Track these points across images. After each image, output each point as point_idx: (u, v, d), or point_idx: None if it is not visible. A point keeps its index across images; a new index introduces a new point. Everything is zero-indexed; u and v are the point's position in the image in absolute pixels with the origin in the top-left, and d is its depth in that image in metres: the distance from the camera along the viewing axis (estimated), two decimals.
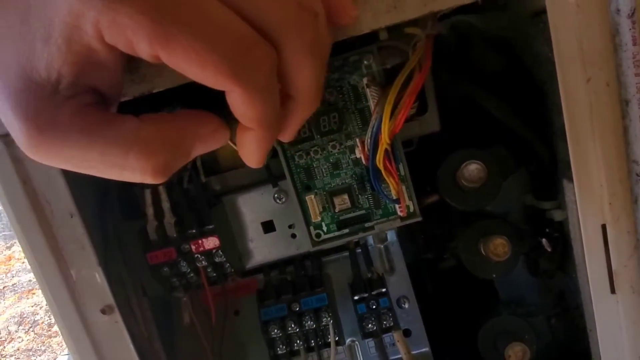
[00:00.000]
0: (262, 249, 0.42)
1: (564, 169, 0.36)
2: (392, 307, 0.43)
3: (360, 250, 0.46)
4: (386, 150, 0.33)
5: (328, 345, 0.43)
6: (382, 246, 0.46)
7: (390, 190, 0.35)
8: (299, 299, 0.43)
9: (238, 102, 0.22)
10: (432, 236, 0.45)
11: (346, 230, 0.37)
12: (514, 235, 0.40)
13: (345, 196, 0.37)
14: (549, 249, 0.40)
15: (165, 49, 0.19)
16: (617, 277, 0.34)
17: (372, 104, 0.34)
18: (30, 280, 3.92)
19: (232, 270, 0.41)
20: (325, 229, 0.37)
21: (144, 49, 0.20)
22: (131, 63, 0.28)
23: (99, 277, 0.34)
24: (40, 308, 3.64)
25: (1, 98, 0.21)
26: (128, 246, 0.39)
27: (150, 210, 0.39)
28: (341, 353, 0.46)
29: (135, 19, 0.19)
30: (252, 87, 0.21)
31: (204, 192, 0.40)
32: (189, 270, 0.40)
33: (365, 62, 0.34)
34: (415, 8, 0.29)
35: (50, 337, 3.38)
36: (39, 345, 3.33)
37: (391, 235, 0.46)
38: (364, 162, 0.35)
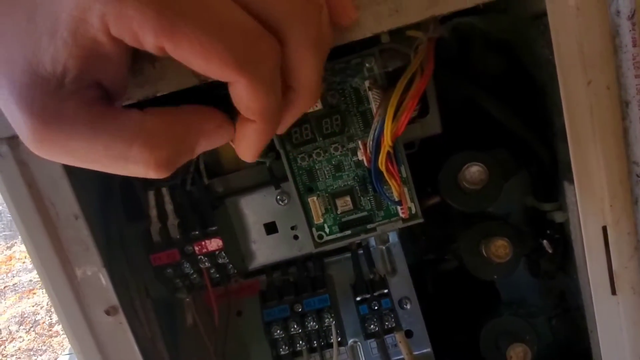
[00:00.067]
0: (264, 250, 0.42)
1: (565, 171, 0.36)
2: (394, 308, 0.44)
3: (362, 251, 0.46)
4: (388, 152, 0.34)
5: (330, 345, 0.43)
6: (384, 247, 0.46)
7: (392, 192, 0.36)
8: (302, 299, 0.44)
9: (242, 93, 0.22)
10: (434, 238, 0.46)
11: (348, 232, 0.38)
12: (515, 236, 0.40)
13: (348, 198, 0.37)
14: (550, 251, 0.40)
15: (171, 41, 0.20)
16: (617, 278, 0.34)
17: (374, 106, 0.35)
18: (30, 280, 3.92)
19: (235, 271, 0.41)
20: (327, 230, 0.38)
21: (149, 41, 0.20)
22: (135, 66, 0.28)
23: (103, 279, 0.34)
24: (41, 308, 3.64)
25: (7, 93, 0.21)
26: (131, 247, 0.39)
27: (153, 212, 0.39)
28: (343, 354, 0.46)
29: (141, 11, 0.19)
30: (257, 79, 0.21)
31: (207, 194, 0.40)
32: (192, 271, 0.40)
33: (367, 65, 0.34)
34: (417, 12, 0.29)
35: (51, 336, 3.38)
36: (40, 345, 3.33)
37: (393, 237, 0.46)
38: (366, 164, 0.36)
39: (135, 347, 0.36)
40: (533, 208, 0.42)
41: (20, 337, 3.46)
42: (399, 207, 0.37)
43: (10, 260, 4.20)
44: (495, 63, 0.43)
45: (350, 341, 0.47)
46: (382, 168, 0.34)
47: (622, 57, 0.31)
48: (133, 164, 0.22)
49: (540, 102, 0.38)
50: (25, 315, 3.63)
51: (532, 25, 0.35)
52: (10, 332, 3.52)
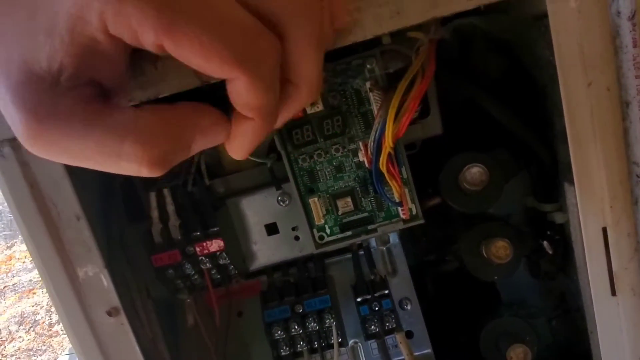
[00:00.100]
0: (265, 251, 0.43)
1: (565, 172, 0.37)
2: (394, 309, 0.44)
3: (362, 252, 0.46)
4: (389, 153, 0.34)
5: (331, 346, 0.43)
6: (384, 248, 0.47)
7: (393, 193, 0.36)
8: (302, 300, 0.44)
9: (242, 90, 0.22)
10: (434, 238, 0.46)
11: (349, 233, 0.38)
12: (516, 237, 0.40)
13: (349, 199, 0.37)
14: (550, 252, 0.40)
15: (170, 38, 0.19)
16: (617, 280, 0.34)
17: (375, 107, 0.35)
18: (30, 280, 3.92)
19: (236, 272, 0.41)
20: (328, 231, 0.38)
21: (148, 39, 0.20)
22: (137, 68, 0.28)
23: (105, 280, 0.34)
24: (41, 308, 3.64)
25: (3, 92, 0.21)
26: (133, 248, 0.40)
27: (155, 213, 0.39)
28: (344, 354, 0.46)
29: (140, 9, 0.19)
30: (258, 76, 0.21)
31: (208, 195, 0.40)
32: (193, 272, 0.40)
33: (368, 66, 0.35)
34: (419, 14, 0.29)
35: (50, 336, 3.38)
36: (40, 345, 3.33)
37: (393, 238, 0.46)
38: (367, 165, 0.36)
39: (137, 348, 0.36)
40: (533, 209, 0.42)
41: (20, 337, 3.46)
42: (399, 208, 0.37)
43: (10, 260, 4.20)
44: (495, 64, 0.43)
45: (350, 342, 0.47)
46: (383, 169, 0.34)
47: (622, 58, 0.31)
48: (126, 161, 0.22)
49: (540, 103, 0.38)
50: (25, 315, 3.63)
51: (533, 26, 0.35)
52: (10, 332, 3.52)
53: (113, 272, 0.35)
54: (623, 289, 0.34)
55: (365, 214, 0.38)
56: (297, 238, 0.42)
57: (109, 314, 0.35)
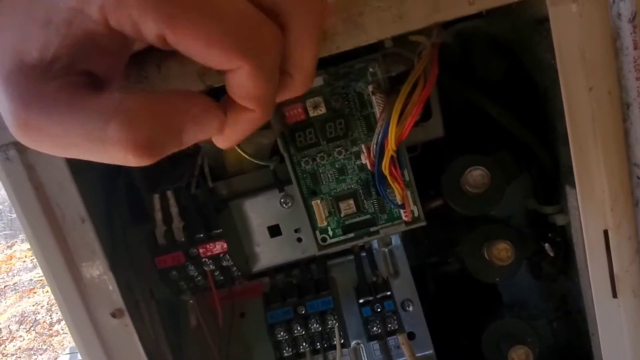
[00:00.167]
0: (268, 253, 0.43)
1: (566, 174, 0.37)
2: (396, 310, 0.44)
3: (365, 254, 0.46)
4: (392, 156, 0.34)
5: (333, 347, 0.43)
6: (386, 250, 0.47)
7: (395, 196, 0.36)
8: (305, 302, 0.44)
9: (243, 80, 0.21)
10: (436, 240, 0.46)
11: (351, 235, 0.38)
12: (517, 239, 0.40)
13: (351, 201, 0.37)
14: (552, 254, 0.40)
15: (172, 28, 0.19)
16: (618, 282, 0.34)
17: (377, 111, 0.35)
18: (31, 280, 3.92)
19: (239, 273, 0.41)
20: (331, 233, 0.38)
21: (150, 29, 0.19)
22: (140, 71, 0.28)
23: (110, 281, 0.35)
24: (42, 307, 3.65)
25: None
26: (136, 250, 0.40)
27: (158, 215, 0.39)
28: (346, 355, 0.46)
29: (141, 0, 0.19)
30: (260, 66, 0.21)
31: (211, 197, 0.40)
32: (196, 273, 0.41)
33: (370, 69, 0.35)
34: (421, 18, 0.29)
35: (51, 336, 3.39)
36: (40, 345, 3.34)
37: (395, 240, 0.47)
38: (369, 167, 0.36)
39: (141, 349, 0.36)
40: (534, 211, 0.43)
41: (21, 336, 3.46)
42: (401, 210, 0.37)
43: (11, 259, 4.20)
44: (497, 66, 0.43)
45: (353, 343, 0.47)
46: (386, 172, 0.35)
47: (623, 60, 0.31)
48: (111, 145, 0.20)
49: (541, 105, 0.38)
50: (25, 315, 3.63)
51: (535, 29, 0.35)
52: (11, 332, 3.53)
53: (117, 274, 0.35)
54: (624, 291, 0.35)
55: (368, 216, 0.38)
56: (299, 240, 0.42)
57: (113, 315, 0.35)
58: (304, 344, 0.44)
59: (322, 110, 0.36)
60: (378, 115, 0.35)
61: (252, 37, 0.21)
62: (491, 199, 0.38)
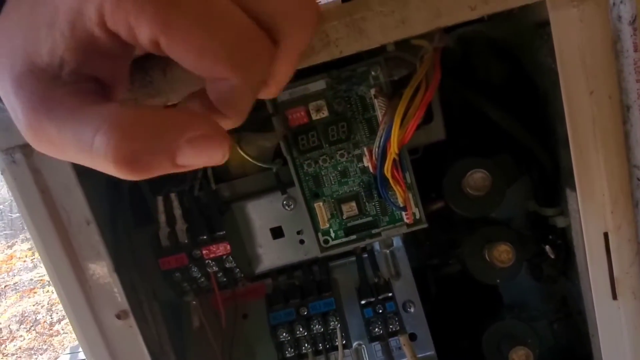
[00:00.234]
0: (270, 255, 0.43)
1: (567, 177, 0.37)
2: (398, 312, 0.44)
3: (366, 255, 0.46)
4: (394, 159, 0.34)
5: (335, 348, 0.44)
6: (388, 252, 0.47)
7: (397, 198, 0.36)
8: (307, 303, 0.44)
9: (226, 91, 0.21)
10: (438, 242, 0.46)
11: (353, 237, 0.38)
12: (518, 241, 0.40)
13: (353, 203, 0.38)
14: (552, 256, 0.41)
15: (165, 34, 0.19)
16: (618, 284, 0.35)
17: (379, 114, 0.35)
18: (31, 279, 3.92)
19: (242, 275, 0.41)
20: (333, 235, 0.38)
21: (144, 34, 0.19)
22: (146, 77, 0.28)
23: (114, 283, 0.35)
24: (42, 307, 3.65)
25: (7, 85, 0.21)
26: (140, 252, 0.40)
27: (162, 217, 0.40)
28: (348, 356, 0.47)
29: (138, 4, 0.19)
30: (248, 79, 0.21)
31: (214, 199, 0.41)
32: (199, 275, 0.41)
33: (372, 73, 0.35)
34: (423, 23, 0.29)
35: (51, 336, 3.39)
36: (40, 344, 3.34)
37: (397, 241, 0.47)
38: (371, 170, 0.36)
39: (145, 350, 0.36)
40: (535, 213, 0.43)
41: (21, 336, 3.47)
42: (403, 213, 0.37)
43: (11, 259, 4.21)
44: (498, 70, 0.44)
45: (355, 344, 0.48)
46: (388, 174, 0.35)
47: (623, 62, 0.31)
48: (96, 156, 0.20)
49: (542, 108, 0.39)
50: (26, 314, 3.63)
51: (535, 33, 0.35)
52: (11, 331, 3.53)
53: (122, 276, 0.35)
54: (624, 293, 0.35)
55: (370, 218, 0.38)
56: (302, 242, 0.43)
57: (118, 317, 0.35)
58: (306, 345, 0.44)
59: (325, 113, 0.36)
60: (380, 118, 0.35)
61: (245, 51, 0.21)
62: (492, 201, 0.39)
